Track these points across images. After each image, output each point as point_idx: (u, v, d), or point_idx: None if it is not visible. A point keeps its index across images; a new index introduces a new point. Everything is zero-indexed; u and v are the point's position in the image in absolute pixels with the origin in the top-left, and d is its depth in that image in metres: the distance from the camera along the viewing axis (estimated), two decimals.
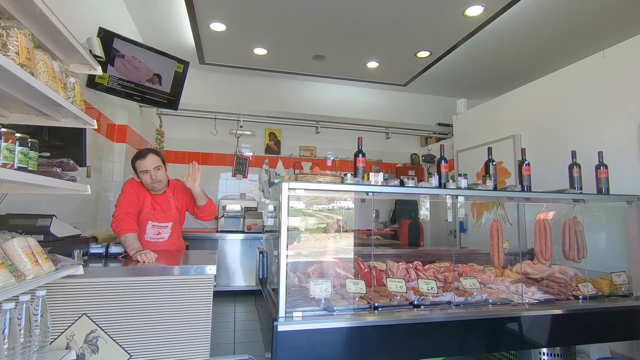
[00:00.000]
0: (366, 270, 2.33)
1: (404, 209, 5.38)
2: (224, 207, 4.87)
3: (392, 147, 6.04)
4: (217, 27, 4.15)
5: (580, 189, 2.62)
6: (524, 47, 4.50)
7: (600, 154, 2.65)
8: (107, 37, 3.13)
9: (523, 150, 2.69)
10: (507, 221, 3.68)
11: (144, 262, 1.90)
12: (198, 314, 1.79)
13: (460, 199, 3.09)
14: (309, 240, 2.90)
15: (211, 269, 1.83)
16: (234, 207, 4.91)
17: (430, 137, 6.09)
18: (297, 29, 4.18)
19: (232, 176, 5.46)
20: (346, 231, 3.04)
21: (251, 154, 5.60)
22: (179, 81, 4.01)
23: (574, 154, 2.70)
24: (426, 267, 2.62)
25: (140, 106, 4.30)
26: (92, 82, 3.16)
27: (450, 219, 3.85)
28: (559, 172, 3.11)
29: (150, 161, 2.32)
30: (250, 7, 3.75)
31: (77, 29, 2.70)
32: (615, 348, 2.69)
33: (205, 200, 2.47)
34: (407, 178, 2.27)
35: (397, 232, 5.30)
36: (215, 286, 1.90)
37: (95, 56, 2.73)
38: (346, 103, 6.03)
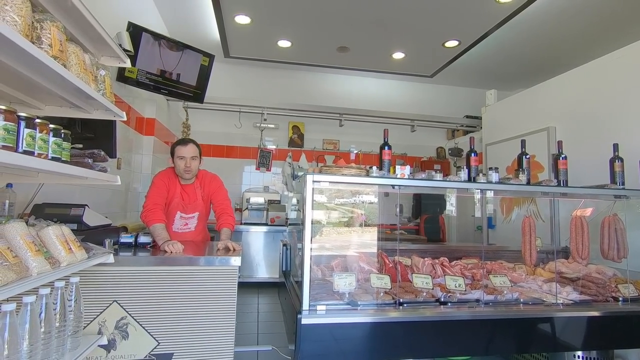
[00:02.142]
0: (391, 265, 2.28)
1: (426, 204, 5.25)
2: (247, 200, 4.93)
3: (418, 140, 5.90)
4: (242, 20, 4.16)
5: (623, 184, 2.46)
6: (560, 34, 4.26)
7: None
8: (135, 31, 3.19)
9: (559, 143, 2.55)
10: (539, 217, 3.52)
11: (171, 252, 1.94)
12: (223, 304, 1.82)
13: (490, 193, 2.98)
14: (332, 234, 2.88)
15: (236, 261, 1.85)
16: (258, 199, 4.95)
17: (458, 130, 5.90)
18: (321, 20, 4.12)
19: (256, 169, 5.51)
20: (369, 225, 3.00)
21: (274, 147, 5.62)
22: (204, 75, 4.06)
23: (616, 147, 2.53)
24: (453, 263, 2.55)
25: (167, 99, 4.39)
26: (122, 76, 3.24)
27: (478, 215, 3.72)
28: (596, 167, 2.93)
29: (190, 150, 2.43)
30: None
31: (107, 23, 2.76)
32: None
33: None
34: (434, 172, 2.20)
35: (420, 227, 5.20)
36: (239, 277, 1.92)
37: (124, 50, 2.79)
38: (371, 95, 5.93)
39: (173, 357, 1.75)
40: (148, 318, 1.74)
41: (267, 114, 5.21)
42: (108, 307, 1.70)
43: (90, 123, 1.86)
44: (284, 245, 2.76)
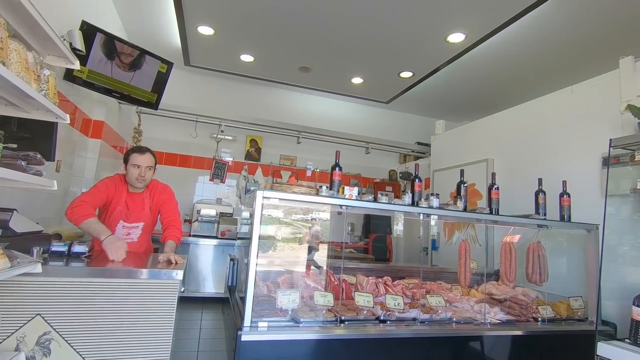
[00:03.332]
0: (336, 282, 2.34)
1: (375, 224, 5.44)
2: (198, 211, 4.79)
3: (372, 162, 6.13)
4: (205, 30, 4.15)
5: (545, 215, 2.73)
6: (501, 76, 4.71)
7: (564, 183, 2.79)
8: (89, 31, 3.06)
9: (493, 175, 2.80)
10: (476, 241, 3.79)
11: (113, 260, 1.88)
12: (160, 320, 1.75)
13: (433, 217, 3.18)
14: (283, 250, 2.89)
15: (177, 274, 1.80)
16: (209, 211, 4.83)
17: (409, 155, 6.23)
18: (285, 39, 4.22)
19: (210, 180, 5.39)
20: (320, 242, 3.05)
21: (231, 159, 5.55)
22: (161, 81, 3.96)
23: (540, 181, 2.82)
24: (395, 282, 2.66)
25: (119, 103, 4.21)
26: (70, 75, 3.08)
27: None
28: (527, 198, 3.24)
29: (146, 159, 2.39)
30: (240, 14, 3.77)
31: (61, 22, 2.65)
32: None
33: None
34: (382, 194, 2.32)
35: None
36: (182, 291, 1.87)
37: (75, 49, 2.67)
38: (329, 116, 6.09)
39: None
40: (75, 334, 1.63)
41: (225, 125, 5.16)
42: (30, 321, 1.57)
43: (28, 122, 1.75)
44: (232, 259, 2.72)
